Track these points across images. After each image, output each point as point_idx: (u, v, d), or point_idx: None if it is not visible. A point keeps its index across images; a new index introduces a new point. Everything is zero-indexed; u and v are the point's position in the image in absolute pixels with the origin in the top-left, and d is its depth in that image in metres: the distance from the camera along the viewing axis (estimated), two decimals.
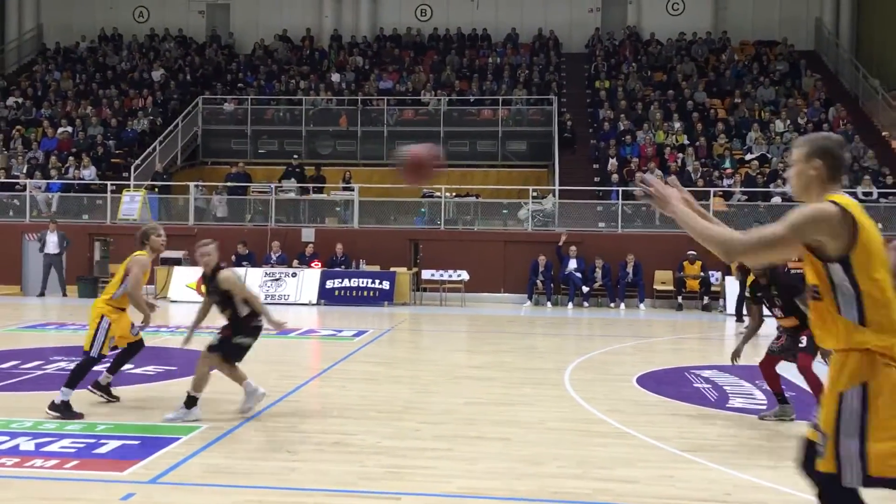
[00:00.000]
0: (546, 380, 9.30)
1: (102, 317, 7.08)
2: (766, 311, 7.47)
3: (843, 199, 3.07)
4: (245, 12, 30.55)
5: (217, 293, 6.99)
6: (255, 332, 7.07)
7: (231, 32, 30.44)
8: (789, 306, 7.23)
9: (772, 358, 7.53)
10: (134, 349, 7.49)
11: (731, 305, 17.19)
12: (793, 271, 8.43)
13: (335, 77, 26.95)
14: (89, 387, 7.30)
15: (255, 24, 30.09)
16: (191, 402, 6.73)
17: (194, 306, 11.20)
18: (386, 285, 18.48)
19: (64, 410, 6.74)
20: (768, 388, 7.67)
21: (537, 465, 5.73)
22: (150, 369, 9.20)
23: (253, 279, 18.41)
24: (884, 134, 24.36)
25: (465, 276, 18.77)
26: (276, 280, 18.50)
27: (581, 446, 6.32)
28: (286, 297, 18.35)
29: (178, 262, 18.72)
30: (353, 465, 5.61)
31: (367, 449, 6.05)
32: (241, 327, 6.97)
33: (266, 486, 5.19)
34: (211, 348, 6.92)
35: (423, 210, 21.07)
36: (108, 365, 7.49)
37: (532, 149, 24.30)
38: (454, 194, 21.25)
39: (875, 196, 19.51)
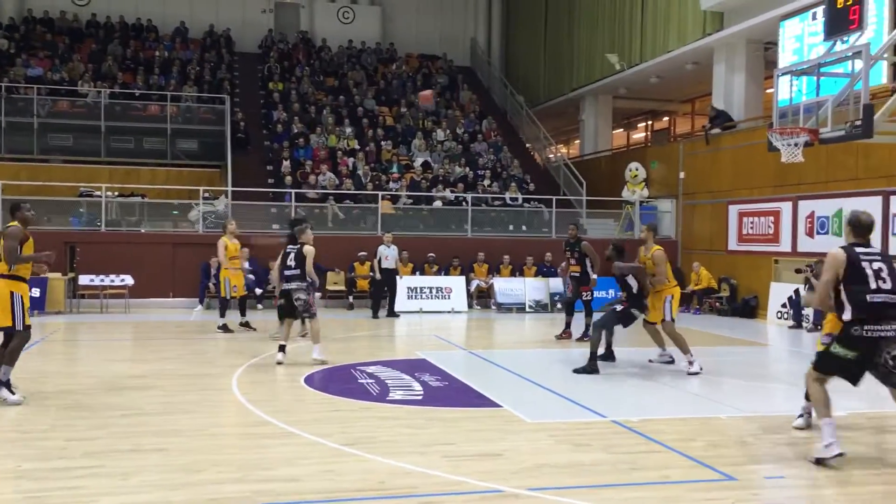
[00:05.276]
0: (213, 385, 9.13)
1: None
2: None
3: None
4: None
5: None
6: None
7: None
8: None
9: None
10: None
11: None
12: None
13: None
14: None
15: None
16: None
17: None
18: (36, 293, 16.74)
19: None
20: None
21: (195, 472, 5.63)
22: None
23: None
24: (527, 146, 27.40)
25: (129, 280, 17.70)
26: None
27: (243, 450, 6.32)
28: None
29: None
30: None
31: (3, 475, 5.49)
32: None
33: None
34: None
35: (80, 210, 19.44)
36: None
37: (204, 148, 23.48)
38: (117, 193, 19.90)
39: (520, 200, 21.82)
